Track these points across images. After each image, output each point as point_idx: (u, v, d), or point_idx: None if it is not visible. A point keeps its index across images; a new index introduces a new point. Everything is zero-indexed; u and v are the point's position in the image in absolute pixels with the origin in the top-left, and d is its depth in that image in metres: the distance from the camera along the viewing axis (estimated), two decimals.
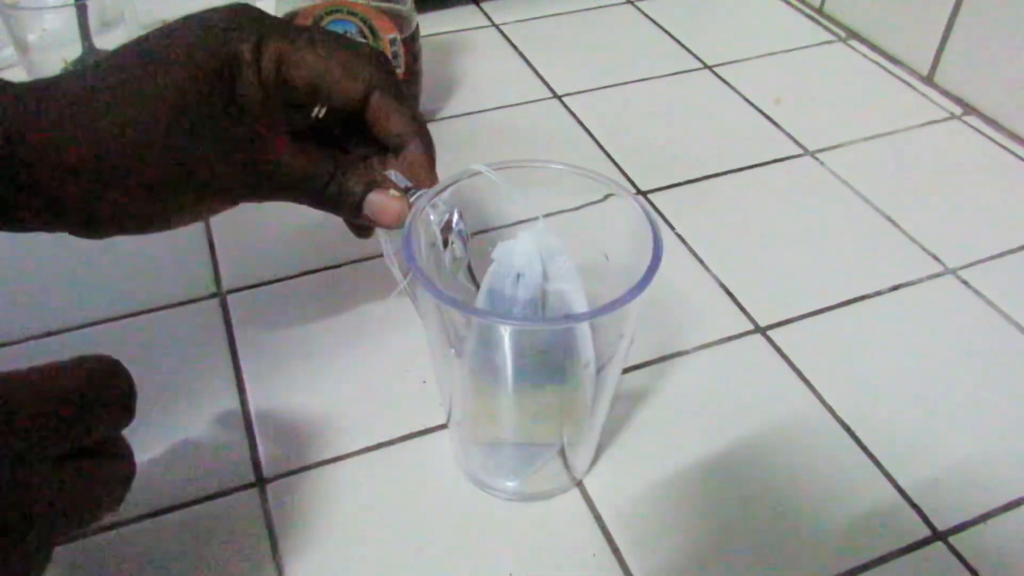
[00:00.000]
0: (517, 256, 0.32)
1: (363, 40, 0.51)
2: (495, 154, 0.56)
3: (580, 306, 0.33)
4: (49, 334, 0.43)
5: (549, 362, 0.31)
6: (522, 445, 0.36)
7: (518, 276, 0.32)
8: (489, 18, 0.71)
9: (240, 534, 0.35)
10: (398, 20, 0.51)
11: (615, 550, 0.35)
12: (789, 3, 0.73)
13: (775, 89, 0.62)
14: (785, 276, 0.47)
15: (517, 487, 0.36)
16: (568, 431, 0.35)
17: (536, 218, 0.32)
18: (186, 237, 0.49)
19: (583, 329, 0.30)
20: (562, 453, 0.36)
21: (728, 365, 0.42)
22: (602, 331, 0.30)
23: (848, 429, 0.39)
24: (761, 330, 0.44)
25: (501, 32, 0.69)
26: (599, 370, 0.32)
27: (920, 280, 0.47)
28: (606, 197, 0.32)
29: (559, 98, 0.61)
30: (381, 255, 0.36)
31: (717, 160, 0.55)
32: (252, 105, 0.31)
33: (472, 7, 0.73)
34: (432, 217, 0.32)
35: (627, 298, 0.28)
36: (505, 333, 0.30)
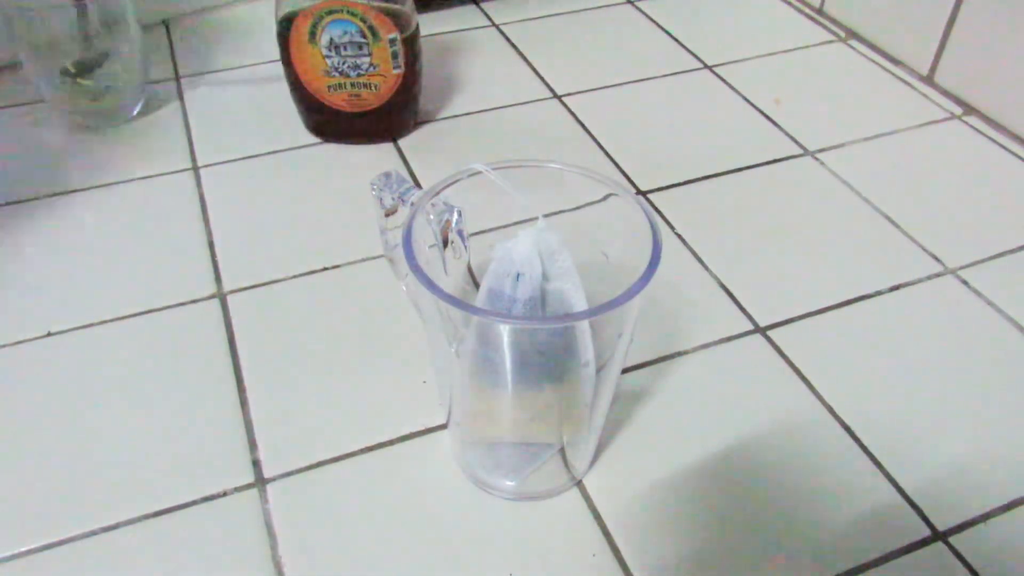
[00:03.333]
0: (517, 255, 0.32)
1: (363, 40, 0.51)
2: (495, 154, 0.56)
3: (580, 305, 0.33)
4: (49, 334, 0.43)
5: (548, 361, 0.31)
6: (521, 445, 0.36)
7: (518, 275, 0.32)
8: (489, 18, 0.71)
9: (240, 534, 0.35)
10: (398, 20, 0.51)
11: (615, 550, 0.35)
12: (789, 3, 0.73)
13: (775, 89, 0.62)
14: (785, 276, 0.47)
15: (516, 486, 0.36)
16: (567, 431, 0.35)
17: (536, 218, 0.32)
18: (186, 237, 0.49)
19: (582, 328, 0.30)
20: (561, 453, 0.36)
21: (728, 365, 0.42)
22: (601, 330, 0.30)
23: (848, 429, 0.39)
24: (761, 330, 0.44)
25: (501, 32, 0.69)
26: (599, 369, 0.32)
27: (920, 280, 0.47)
28: (606, 197, 0.32)
29: (559, 98, 0.61)
30: (381, 255, 0.36)
31: (717, 160, 0.55)
32: None
33: (472, 7, 0.73)
34: (432, 216, 0.32)
35: (626, 297, 0.28)
36: (504, 332, 0.30)
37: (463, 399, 0.34)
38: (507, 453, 0.37)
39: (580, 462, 0.37)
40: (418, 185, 0.52)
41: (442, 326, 0.31)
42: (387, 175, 0.35)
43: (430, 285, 0.28)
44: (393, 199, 0.34)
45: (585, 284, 0.33)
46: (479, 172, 0.32)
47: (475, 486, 0.37)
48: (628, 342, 0.32)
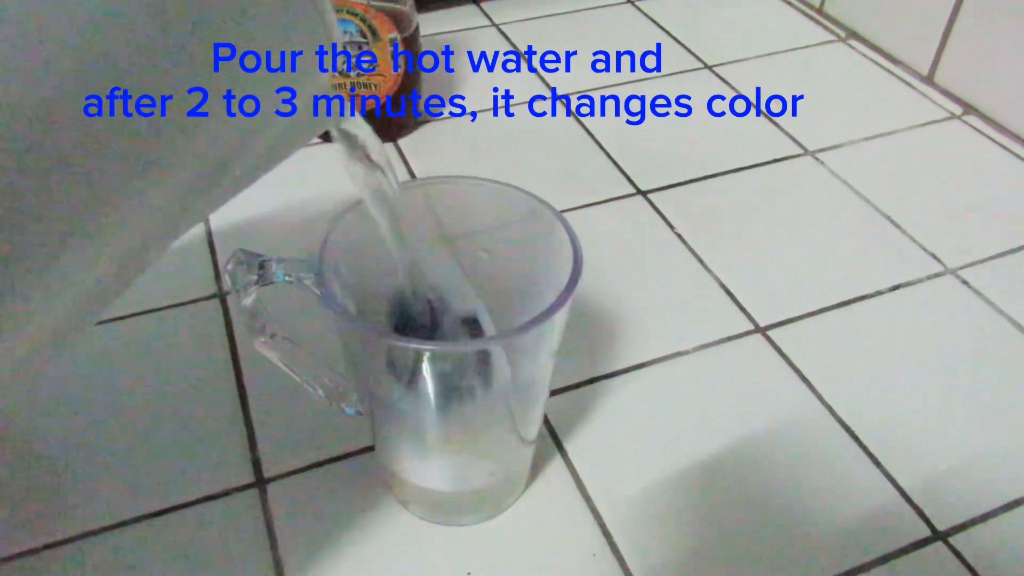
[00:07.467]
0: (410, 290, 0.32)
1: (363, 40, 0.51)
2: (495, 154, 0.56)
3: (485, 322, 0.32)
4: None
5: (472, 384, 0.31)
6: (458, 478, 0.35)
7: (427, 302, 0.32)
8: (489, 18, 0.71)
9: (240, 534, 0.35)
10: (398, 20, 0.51)
11: (615, 550, 0.35)
12: (789, 3, 0.73)
13: (775, 89, 0.62)
14: (785, 276, 0.47)
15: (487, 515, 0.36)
16: (498, 444, 0.34)
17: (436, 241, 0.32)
18: (186, 237, 0.49)
19: (499, 350, 0.30)
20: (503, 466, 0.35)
21: (728, 365, 0.42)
22: (524, 348, 0.30)
23: (848, 429, 0.39)
24: (761, 330, 0.44)
25: (501, 32, 0.69)
26: (524, 387, 0.31)
27: (920, 280, 0.47)
28: (531, 213, 0.31)
29: (559, 98, 0.61)
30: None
31: (717, 160, 0.55)
32: None
33: (472, 7, 0.73)
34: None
35: (545, 316, 0.27)
36: (439, 362, 0.29)
37: (402, 446, 0.34)
38: (448, 494, 0.35)
39: (518, 478, 0.36)
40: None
41: (385, 378, 0.30)
42: (237, 255, 0.33)
43: (385, 335, 0.27)
44: (250, 273, 0.32)
45: (513, 302, 0.32)
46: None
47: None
48: (553, 360, 0.31)
